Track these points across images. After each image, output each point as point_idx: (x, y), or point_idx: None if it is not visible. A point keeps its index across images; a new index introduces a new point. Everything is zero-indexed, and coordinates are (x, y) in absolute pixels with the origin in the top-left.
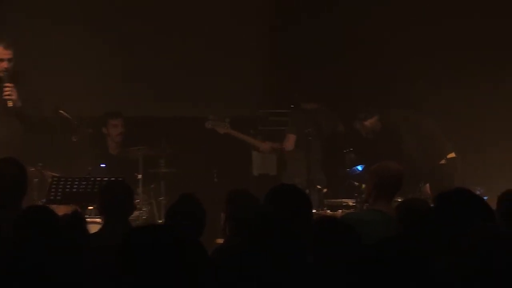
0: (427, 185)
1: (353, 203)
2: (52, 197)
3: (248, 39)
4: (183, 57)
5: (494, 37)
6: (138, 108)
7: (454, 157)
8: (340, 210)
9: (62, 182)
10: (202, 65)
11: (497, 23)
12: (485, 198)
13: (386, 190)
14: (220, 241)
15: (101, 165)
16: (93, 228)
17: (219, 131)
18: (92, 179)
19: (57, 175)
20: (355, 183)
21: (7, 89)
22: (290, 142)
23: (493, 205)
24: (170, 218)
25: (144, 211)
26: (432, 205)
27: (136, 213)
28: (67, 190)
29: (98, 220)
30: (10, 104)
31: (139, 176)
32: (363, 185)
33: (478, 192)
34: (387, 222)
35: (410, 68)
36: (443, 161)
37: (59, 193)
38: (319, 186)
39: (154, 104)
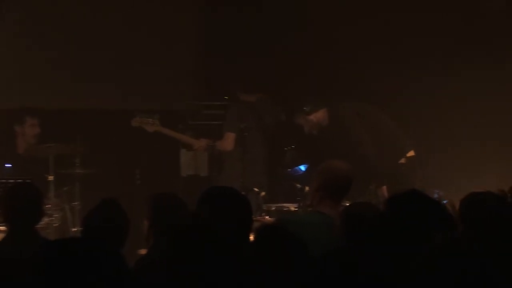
0: (384, 187)
1: (295, 208)
2: None
3: (178, 24)
4: (105, 43)
5: (463, 30)
6: (49, 99)
7: (413, 155)
8: None
9: None
10: (127, 53)
11: (468, 14)
12: (444, 202)
13: (332, 193)
14: (143, 251)
15: (6, 165)
16: None
17: (147, 130)
18: None
19: None
20: (298, 185)
21: None
22: (228, 141)
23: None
24: (87, 227)
25: (55, 218)
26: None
27: (46, 220)
28: None
29: (1, 228)
30: None
31: (50, 178)
32: (307, 188)
33: (436, 195)
34: (331, 226)
35: (365, 57)
36: (402, 160)
37: None
38: (256, 189)
39: (68, 95)
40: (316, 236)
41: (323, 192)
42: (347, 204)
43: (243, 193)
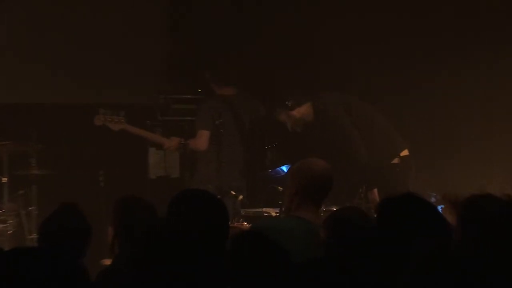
0: (375, 190)
1: (277, 213)
2: None
3: (146, 10)
4: (65, 33)
5: (466, 25)
6: (1, 93)
7: (408, 155)
8: None
9: None
10: (89, 43)
11: (468, 10)
12: (440, 207)
13: (311, 195)
14: (107, 262)
15: None
16: None
17: (112, 128)
18: None
19: None
20: (280, 188)
21: None
22: (202, 140)
23: None
24: (45, 235)
25: (10, 224)
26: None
27: None
28: None
29: None
30: None
31: (4, 180)
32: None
33: (433, 199)
34: (312, 233)
35: (356, 49)
36: (395, 161)
37: None
38: (233, 192)
39: (23, 87)
40: (294, 243)
41: (300, 195)
42: (335, 209)
43: (218, 196)
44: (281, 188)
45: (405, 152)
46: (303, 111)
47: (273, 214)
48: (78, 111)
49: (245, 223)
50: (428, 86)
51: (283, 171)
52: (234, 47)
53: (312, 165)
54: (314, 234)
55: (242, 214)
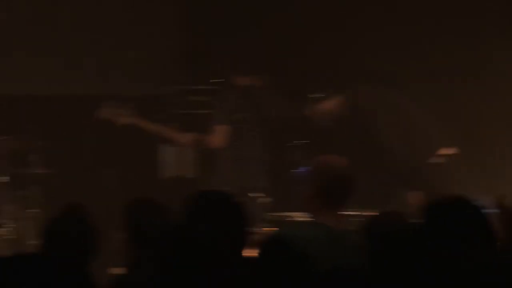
0: (416, 192)
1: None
2: None
3: None
4: (69, 17)
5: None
6: (1, 83)
7: (451, 153)
8: None
9: None
10: (94, 30)
11: None
12: (493, 212)
13: (330, 196)
14: (116, 270)
15: None
16: None
17: (119, 123)
18: None
19: None
20: None
21: None
22: (219, 136)
23: None
24: (47, 240)
25: (9, 229)
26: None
27: None
28: None
29: None
30: None
31: (3, 179)
32: None
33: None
34: (333, 240)
35: (393, 33)
36: (439, 159)
37: None
38: (254, 194)
39: (25, 78)
40: (313, 252)
41: (320, 196)
42: (372, 214)
43: (238, 198)
44: None
45: (450, 151)
46: (332, 104)
47: (299, 218)
48: (84, 104)
49: (268, 228)
50: (475, 82)
51: None
52: (255, 32)
53: (331, 164)
54: (336, 241)
55: (266, 218)
